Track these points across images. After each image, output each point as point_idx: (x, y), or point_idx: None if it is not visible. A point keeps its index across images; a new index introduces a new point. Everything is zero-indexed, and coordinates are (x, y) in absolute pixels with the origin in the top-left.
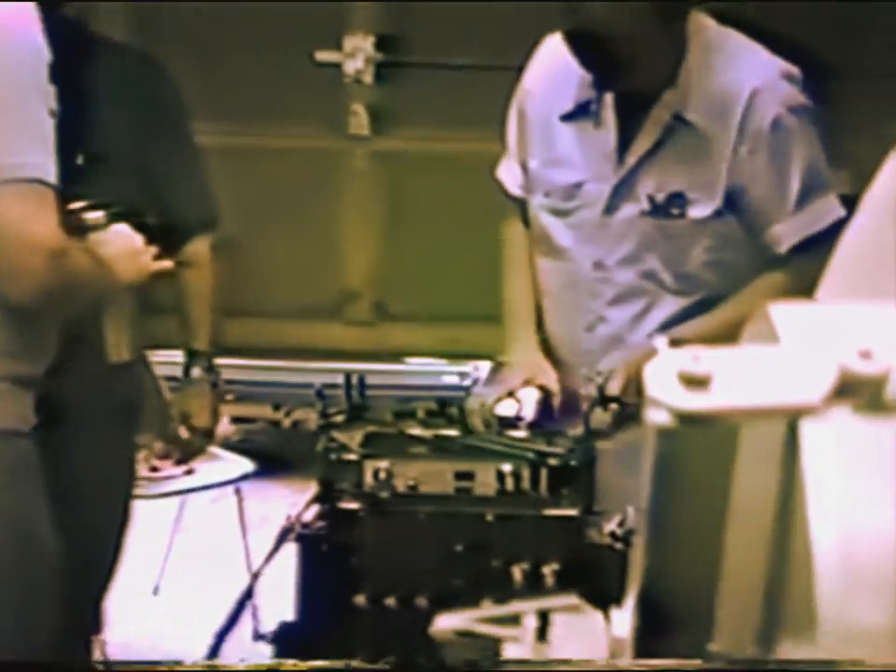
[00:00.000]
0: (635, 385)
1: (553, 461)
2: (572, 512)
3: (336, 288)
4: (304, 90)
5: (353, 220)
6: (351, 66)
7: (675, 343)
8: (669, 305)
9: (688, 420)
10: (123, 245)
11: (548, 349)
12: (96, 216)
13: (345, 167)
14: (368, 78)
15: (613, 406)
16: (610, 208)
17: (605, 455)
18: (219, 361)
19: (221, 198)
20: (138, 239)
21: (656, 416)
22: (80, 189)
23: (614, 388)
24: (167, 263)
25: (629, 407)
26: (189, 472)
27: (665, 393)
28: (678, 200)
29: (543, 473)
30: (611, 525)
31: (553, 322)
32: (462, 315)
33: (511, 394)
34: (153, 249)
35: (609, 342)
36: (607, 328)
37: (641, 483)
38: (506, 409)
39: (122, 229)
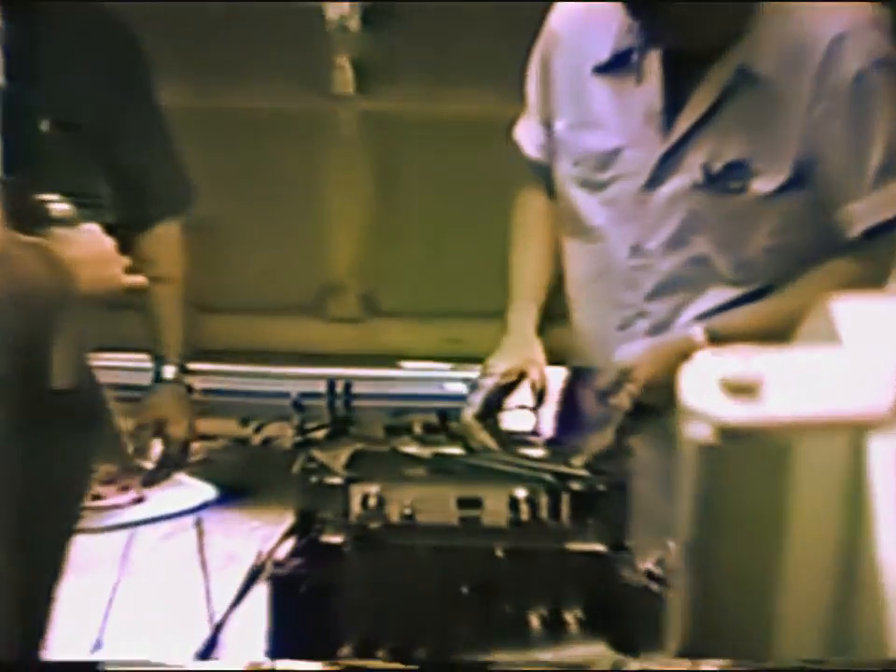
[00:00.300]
0: (663, 386)
1: (576, 485)
2: (600, 547)
3: (316, 279)
4: (279, 40)
5: (337, 197)
6: (334, 10)
7: (714, 337)
8: (719, 298)
9: (733, 435)
10: (92, 249)
11: (574, 351)
12: (62, 208)
13: (328, 133)
14: (354, 24)
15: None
16: (654, 181)
17: (639, 476)
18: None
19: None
20: (110, 244)
21: (695, 430)
22: (44, 162)
23: (635, 389)
24: (140, 279)
25: (659, 415)
26: (139, 501)
27: (706, 402)
28: (738, 171)
29: (565, 499)
30: (648, 563)
31: (582, 318)
32: (466, 311)
33: (500, 390)
34: (126, 261)
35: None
36: (645, 325)
37: (680, 511)
38: (519, 422)
39: (93, 229)
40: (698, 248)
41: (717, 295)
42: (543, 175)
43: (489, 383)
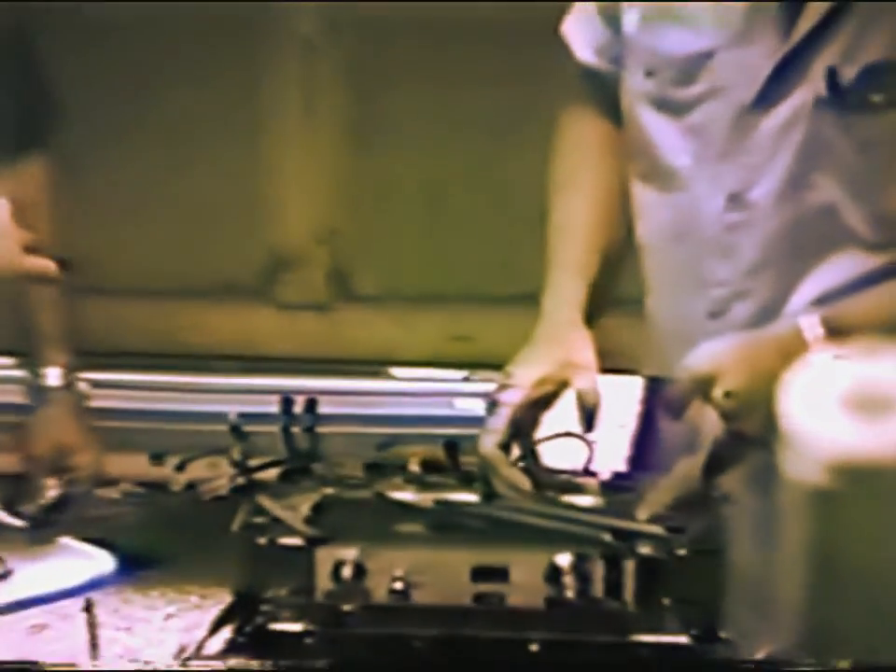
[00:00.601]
0: (762, 402)
1: (645, 548)
2: (681, 639)
3: (263, 250)
4: None
5: (293, 134)
6: None
7: (835, 331)
8: (851, 269)
9: (859, 472)
10: None
11: (648, 353)
12: None
13: (281, 43)
14: None
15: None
16: (764, 98)
17: (735, 533)
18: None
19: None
20: (6, 214)
21: (802, 467)
22: None
23: (726, 406)
24: (47, 264)
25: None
26: (2, 577)
27: (821, 425)
28: (880, 78)
29: (629, 569)
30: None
31: (658, 301)
32: (479, 296)
33: (531, 408)
34: (27, 235)
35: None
36: (745, 310)
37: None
38: (563, 456)
39: None
40: (823, 195)
41: (847, 265)
42: (602, 92)
43: (514, 398)
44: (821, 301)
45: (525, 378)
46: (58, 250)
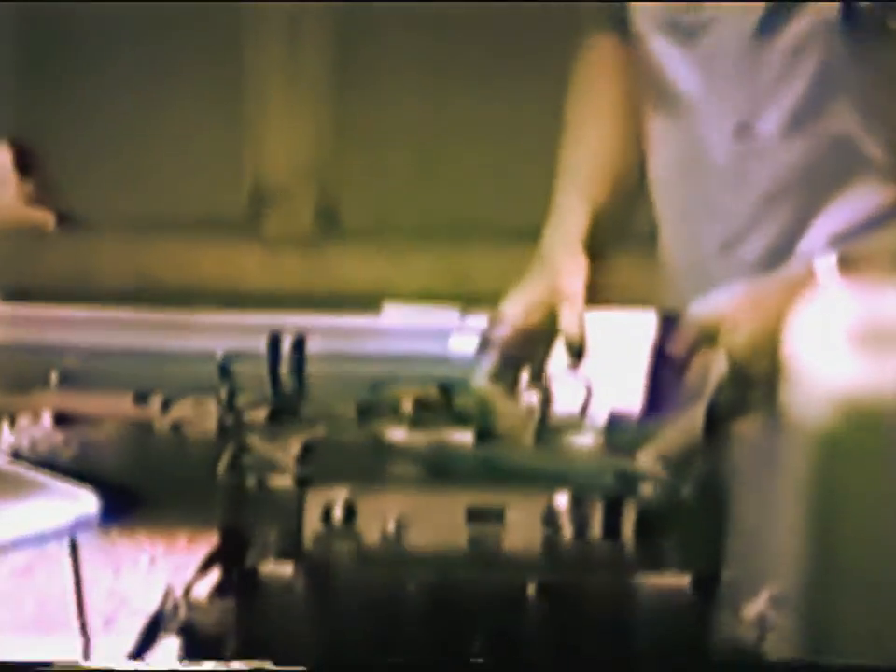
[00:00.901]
0: (768, 343)
1: (647, 489)
2: (681, 582)
3: (249, 182)
4: None
5: (279, 61)
6: None
7: (850, 266)
8: (867, 202)
9: (866, 413)
10: None
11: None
12: None
13: None
14: None
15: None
16: (771, 21)
17: (737, 477)
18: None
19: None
20: (8, 162)
21: (807, 408)
22: None
23: (734, 349)
24: (45, 215)
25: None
26: None
27: (829, 361)
28: None
29: (630, 512)
30: (758, 605)
31: (670, 234)
32: (477, 228)
33: (522, 341)
34: (27, 185)
35: (760, 267)
36: (758, 245)
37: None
38: (563, 394)
39: None
40: (837, 124)
41: (864, 198)
42: (620, 17)
43: (504, 329)
44: (837, 239)
45: (514, 307)
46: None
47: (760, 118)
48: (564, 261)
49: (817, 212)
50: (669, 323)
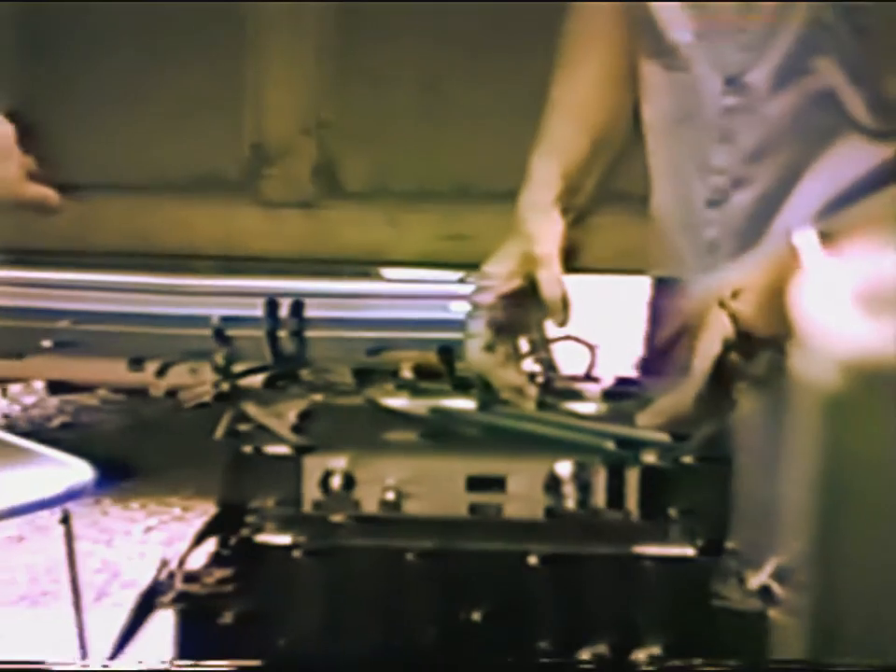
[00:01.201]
0: (772, 312)
1: (650, 456)
2: (686, 551)
3: (247, 142)
4: None
5: (278, 16)
6: None
7: (830, 239)
8: (851, 158)
9: (872, 374)
10: None
11: (653, 249)
12: None
13: None
14: None
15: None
16: None
17: (743, 443)
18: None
19: None
20: (10, 135)
21: (813, 369)
22: None
23: (740, 311)
24: (49, 193)
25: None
26: None
27: (834, 323)
28: None
29: (633, 478)
30: (761, 574)
31: (659, 188)
32: (477, 191)
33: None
34: (29, 160)
35: (748, 224)
36: (745, 199)
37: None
38: (563, 359)
39: None
40: (823, 80)
41: (849, 158)
42: None
43: (488, 297)
44: (820, 211)
45: (495, 274)
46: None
47: (749, 70)
48: (537, 224)
49: (803, 169)
50: (665, 286)
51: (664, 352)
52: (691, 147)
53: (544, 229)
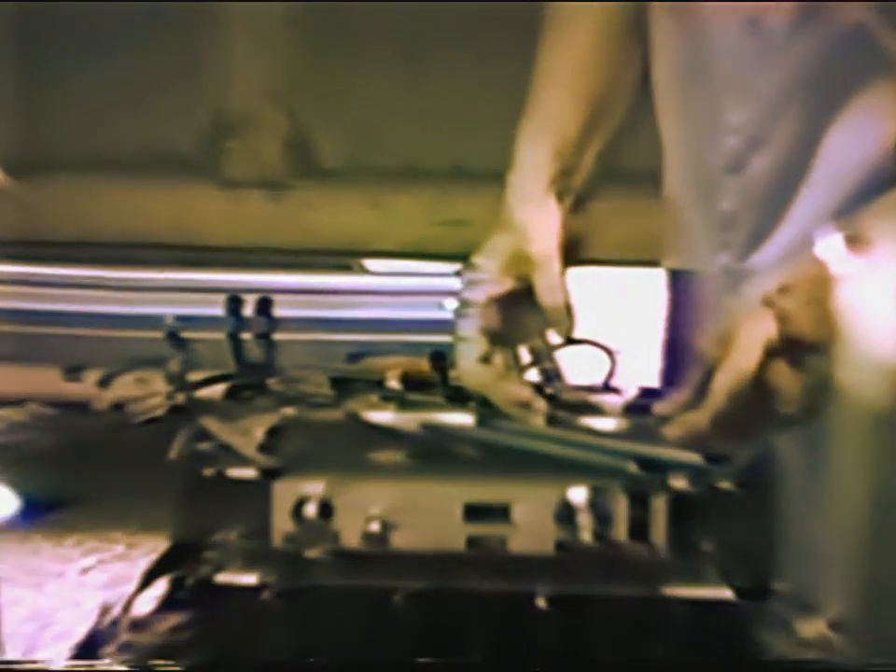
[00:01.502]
0: (824, 313)
1: (678, 480)
2: (724, 593)
3: (205, 111)
4: None
5: None
6: None
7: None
8: (885, 112)
9: None
10: None
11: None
12: None
13: None
14: None
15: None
16: None
17: (791, 465)
18: None
19: None
20: None
21: (865, 379)
22: None
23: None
24: None
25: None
26: None
27: (880, 333)
28: None
29: (659, 507)
30: (819, 622)
31: (671, 156)
32: (468, 169)
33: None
34: None
35: (769, 193)
36: (764, 162)
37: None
38: (577, 367)
39: None
40: (850, 15)
41: (881, 106)
42: None
43: (479, 296)
44: (840, 211)
45: (486, 271)
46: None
47: (768, 12)
48: (530, 216)
49: (827, 124)
50: (681, 279)
51: (688, 356)
52: (704, 105)
53: (538, 221)
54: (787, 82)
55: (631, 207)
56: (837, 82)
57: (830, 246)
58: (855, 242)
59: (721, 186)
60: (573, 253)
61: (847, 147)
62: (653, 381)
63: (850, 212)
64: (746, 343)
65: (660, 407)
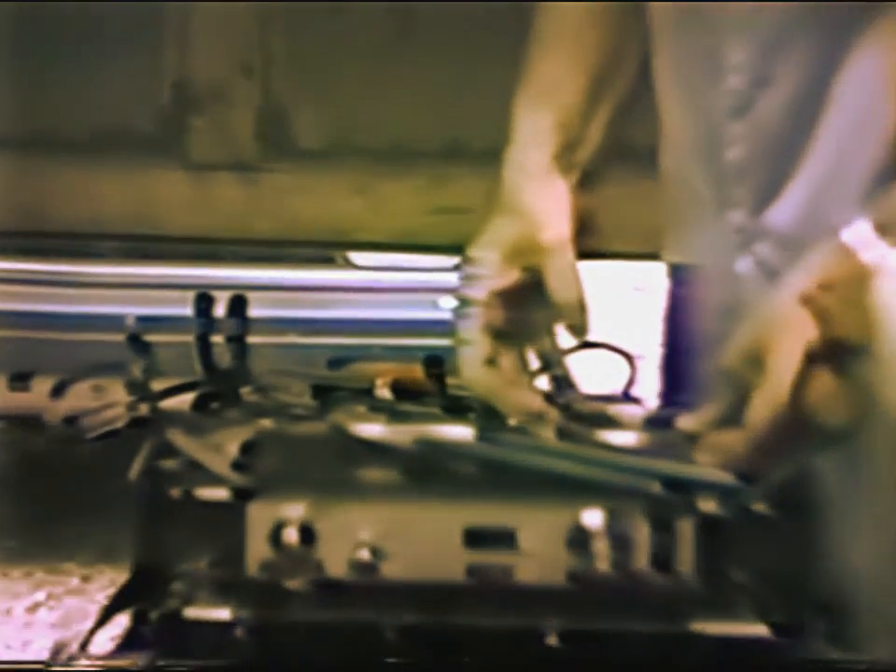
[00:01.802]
0: (867, 313)
1: (707, 502)
2: (759, 629)
3: (168, 85)
4: None
5: None
6: None
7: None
8: None
9: None
10: None
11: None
12: None
13: None
14: None
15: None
16: None
17: (838, 487)
18: None
19: None
20: None
21: None
22: None
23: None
24: None
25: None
26: None
27: None
28: None
29: (685, 531)
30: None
31: (671, 105)
32: (465, 149)
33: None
34: None
35: (781, 137)
36: (772, 103)
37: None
38: (595, 375)
39: None
40: None
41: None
42: None
43: (480, 291)
44: (864, 198)
45: (487, 263)
46: None
47: None
48: (535, 196)
49: (833, 66)
50: (684, 274)
51: (694, 365)
52: (702, 45)
53: (546, 203)
54: (787, 16)
55: (648, 191)
56: (843, 17)
57: (858, 233)
58: (885, 229)
59: (727, 133)
60: (584, 236)
61: (858, 88)
62: (668, 388)
63: (876, 182)
64: (785, 355)
65: (684, 422)
